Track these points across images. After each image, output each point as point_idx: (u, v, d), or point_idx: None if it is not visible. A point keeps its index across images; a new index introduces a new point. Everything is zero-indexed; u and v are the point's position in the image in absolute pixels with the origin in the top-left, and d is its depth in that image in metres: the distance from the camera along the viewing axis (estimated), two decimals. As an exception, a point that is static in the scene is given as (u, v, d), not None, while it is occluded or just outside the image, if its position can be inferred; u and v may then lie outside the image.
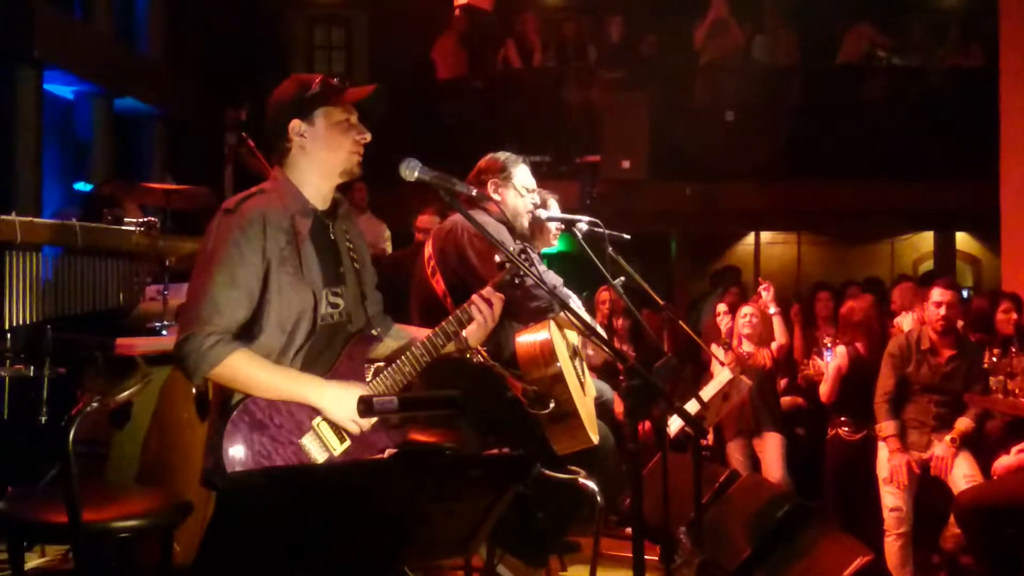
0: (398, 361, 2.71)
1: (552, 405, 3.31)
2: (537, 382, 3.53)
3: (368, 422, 2.55)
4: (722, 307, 6.47)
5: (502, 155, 3.96)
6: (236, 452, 2.38)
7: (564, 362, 3.66)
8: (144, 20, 9.48)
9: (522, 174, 3.95)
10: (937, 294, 5.01)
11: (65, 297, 4.08)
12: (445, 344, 2.79)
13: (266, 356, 2.47)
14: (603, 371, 5.43)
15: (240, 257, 2.46)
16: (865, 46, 10.14)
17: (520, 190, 3.93)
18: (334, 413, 2.51)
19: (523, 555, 3.96)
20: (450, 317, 2.82)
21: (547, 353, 3.61)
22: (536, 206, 4.03)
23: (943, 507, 4.84)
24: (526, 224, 3.99)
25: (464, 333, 2.83)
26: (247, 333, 2.47)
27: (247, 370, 2.44)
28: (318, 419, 2.52)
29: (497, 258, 2.95)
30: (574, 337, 3.96)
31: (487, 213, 3.78)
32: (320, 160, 2.65)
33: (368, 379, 2.68)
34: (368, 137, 2.70)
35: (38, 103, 7.15)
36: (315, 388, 2.50)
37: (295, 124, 2.61)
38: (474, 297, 2.87)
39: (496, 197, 3.84)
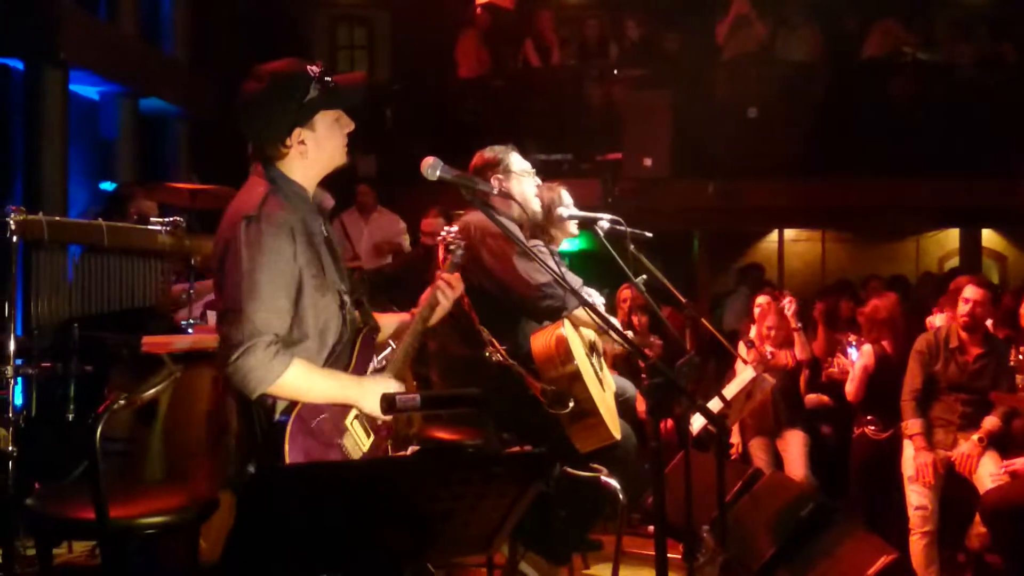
0: (393, 351, 2.79)
1: (572, 404, 3.31)
2: (555, 381, 3.53)
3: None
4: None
5: (490, 150, 3.99)
6: (296, 458, 2.41)
7: (581, 360, 3.67)
8: (169, 20, 9.54)
9: (516, 160, 3.99)
10: (967, 291, 4.98)
11: (91, 295, 4.12)
12: (424, 328, 2.88)
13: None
14: (626, 369, 5.42)
15: (279, 265, 2.42)
16: (890, 42, 10.05)
17: (521, 175, 3.96)
18: (373, 408, 2.53)
19: (545, 553, 3.97)
20: (422, 303, 2.90)
21: (563, 352, 3.62)
22: (539, 187, 4.06)
23: (969, 506, 4.80)
24: (538, 207, 4.01)
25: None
26: (288, 341, 2.46)
27: (307, 380, 2.44)
28: (350, 418, 2.57)
29: (440, 238, 3.07)
30: (590, 334, 3.97)
31: (499, 212, 3.79)
32: (318, 161, 2.60)
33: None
34: (353, 126, 2.64)
35: (64, 103, 7.21)
36: (356, 388, 2.54)
37: (297, 132, 2.54)
38: (438, 282, 2.92)
39: (501, 197, 3.85)
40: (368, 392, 2.53)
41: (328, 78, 2.56)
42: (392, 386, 2.59)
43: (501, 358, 3.39)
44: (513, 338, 3.79)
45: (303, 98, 2.52)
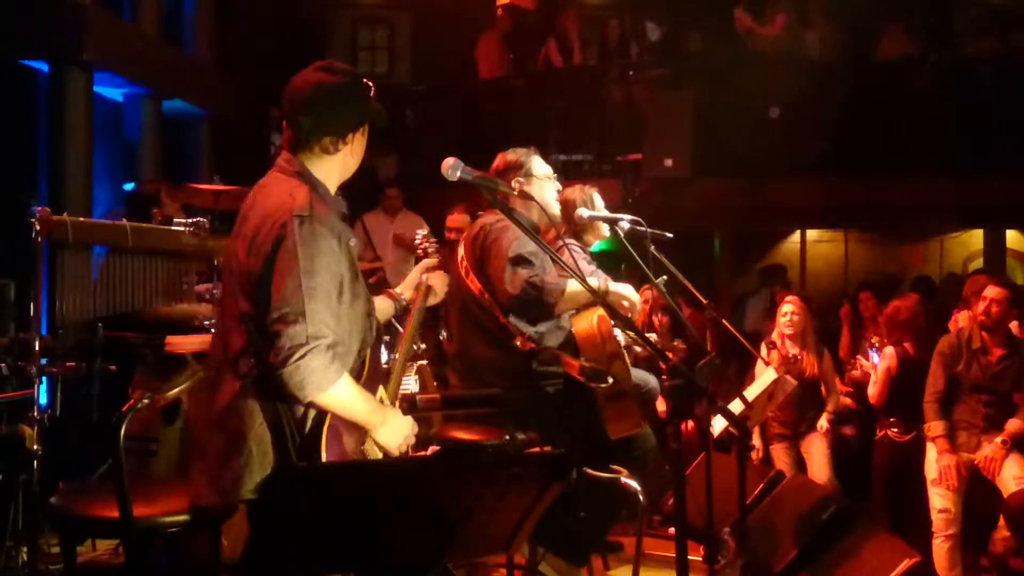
0: (398, 358, 2.95)
1: (610, 381, 3.32)
2: (595, 360, 3.57)
3: (408, 445, 2.61)
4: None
5: (513, 152, 4.00)
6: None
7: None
8: (191, 22, 9.60)
9: (538, 164, 4.00)
10: (987, 291, 4.96)
11: (115, 296, 4.16)
12: (421, 317, 3.10)
13: None
14: (647, 369, 5.40)
15: (332, 267, 2.42)
16: (899, 48, 10.01)
17: (542, 179, 3.97)
18: (387, 441, 2.55)
19: (565, 554, 3.97)
20: (418, 293, 3.10)
21: (606, 331, 3.68)
22: (560, 191, 4.09)
23: (993, 509, 4.77)
24: (558, 211, 4.03)
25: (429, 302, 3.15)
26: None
27: (349, 394, 2.43)
28: None
29: (415, 244, 3.32)
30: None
31: (518, 214, 3.80)
32: (349, 167, 2.65)
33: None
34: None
35: (88, 105, 7.26)
36: (378, 417, 2.53)
37: (360, 132, 2.59)
38: (432, 274, 3.14)
39: (520, 199, 3.86)
40: (387, 425, 2.54)
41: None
42: (408, 424, 2.60)
43: (532, 345, 3.41)
44: (541, 334, 3.82)
45: (369, 101, 2.60)
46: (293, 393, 2.34)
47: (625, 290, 3.89)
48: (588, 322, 3.74)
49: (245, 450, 2.46)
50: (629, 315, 3.76)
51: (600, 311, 3.71)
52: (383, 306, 3.05)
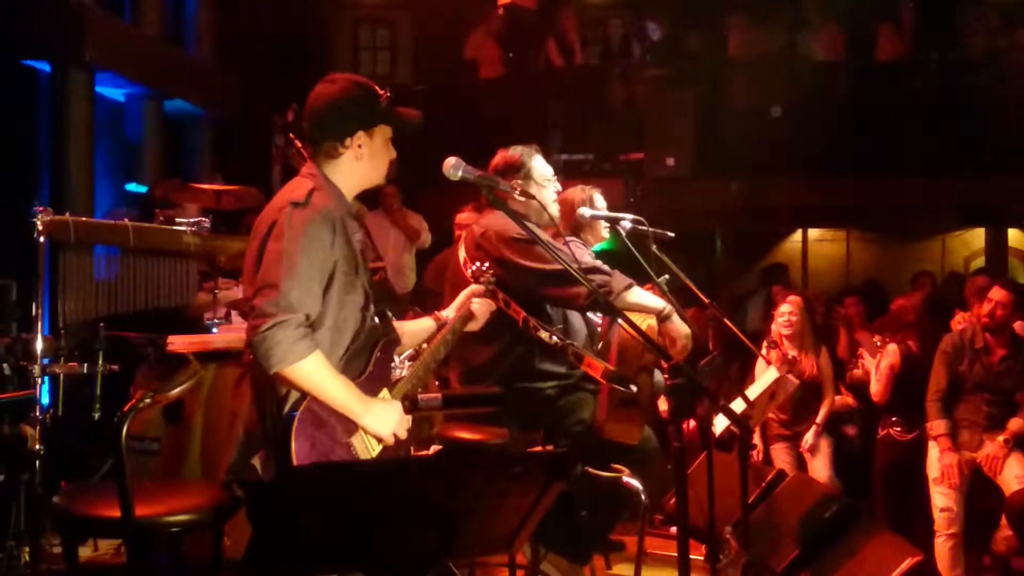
0: (415, 367, 2.90)
1: (634, 389, 3.33)
2: (625, 365, 3.57)
3: (403, 432, 2.63)
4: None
5: (515, 152, 3.93)
6: (302, 448, 2.44)
7: None
8: (193, 23, 9.61)
9: (539, 165, 3.93)
10: (992, 292, 4.96)
11: (117, 296, 4.16)
12: (455, 338, 3.06)
13: None
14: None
15: (319, 250, 2.50)
16: (900, 46, 10.01)
17: (541, 183, 3.91)
18: (376, 428, 2.57)
19: (567, 553, 3.97)
20: (456, 315, 3.09)
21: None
22: (559, 192, 4.04)
23: (995, 508, 4.76)
24: (556, 212, 3.98)
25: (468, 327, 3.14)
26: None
27: (320, 373, 2.47)
28: None
29: (470, 273, 3.28)
30: None
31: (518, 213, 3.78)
32: (365, 172, 2.72)
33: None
34: (395, 155, 2.78)
35: (90, 105, 7.28)
36: (361, 405, 2.55)
37: (360, 136, 2.66)
38: (474, 299, 3.14)
39: (520, 199, 3.83)
40: (372, 412, 2.57)
41: (391, 100, 2.72)
42: (397, 410, 2.62)
43: (557, 340, 3.40)
44: (567, 326, 3.83)
45: (373, 105, 2.67)
46: (260, 364, 2.42)
47: (683, 330, 3.77)
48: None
49: (238, 433, 2.58)
50: (669, 350, 3.71)
51: (652, 320, 3.69)
52: (425, 325, 3.10)
